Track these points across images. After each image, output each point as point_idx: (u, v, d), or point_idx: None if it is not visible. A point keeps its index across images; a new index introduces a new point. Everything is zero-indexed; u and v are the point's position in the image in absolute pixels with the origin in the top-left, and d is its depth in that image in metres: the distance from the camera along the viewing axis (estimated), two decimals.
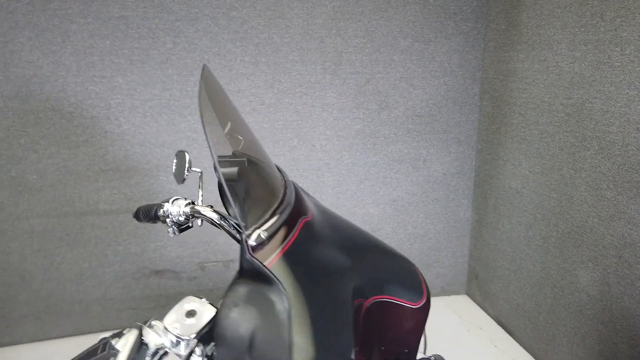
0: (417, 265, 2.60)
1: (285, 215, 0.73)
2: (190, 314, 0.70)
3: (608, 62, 1.68)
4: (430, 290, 0.87)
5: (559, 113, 1.93)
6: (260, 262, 0.64)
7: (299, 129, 2.33)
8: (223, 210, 0.99)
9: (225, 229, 0.91)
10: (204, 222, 1.01)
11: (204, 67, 0.89)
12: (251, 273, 0.67)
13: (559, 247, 1.99)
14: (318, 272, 0.67)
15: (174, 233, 1.04)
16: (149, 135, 2.19)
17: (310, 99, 2.30)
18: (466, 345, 2.32)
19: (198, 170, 1.09)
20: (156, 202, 2.22)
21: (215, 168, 0.70)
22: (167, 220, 1.02)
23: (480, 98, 2.48)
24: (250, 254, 0.65)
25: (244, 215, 0.67)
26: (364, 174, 2.47)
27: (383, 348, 0.74)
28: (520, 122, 2.18)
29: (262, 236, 0.66)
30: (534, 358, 2.21)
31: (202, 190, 1.06)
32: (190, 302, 0.73)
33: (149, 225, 2.31)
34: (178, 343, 0.67)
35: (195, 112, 2.21)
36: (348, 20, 2.23)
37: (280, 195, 0.77)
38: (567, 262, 1.95)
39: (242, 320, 0.64)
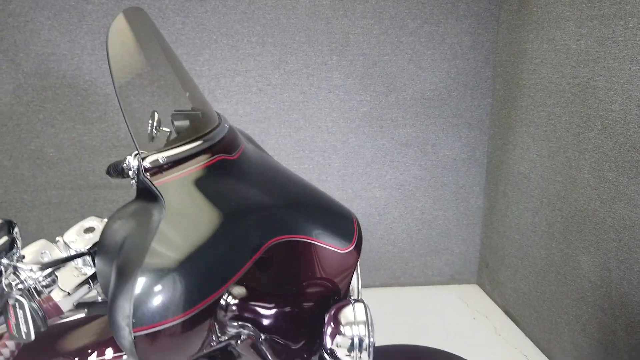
0: (425, 251, 2.58)
1: (197, 149, 0.75)
2: (89, 230, 0.74)
3: (612, 37, 1.61)
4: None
5: (566, 93, 1.87)
6: (150, 181, 0.67)
7: (305, 110, 2.35)
8: None
9: None
10: None
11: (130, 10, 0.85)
12: (144, 193, 0.70)
13: (563, 232, 1.92)
14: (221, 203, 0.69)
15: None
16: (159, 112, 2.26)
17: (316, 80, 2.32)
18: (469, 333, 2.28)
19: (167, 130, 1.13)
20: None
21: (116, 93, 0.72)
22: (130, 172, 1.07)
23: (493, 82, 2.43)
24: (142, 174, 0.68)
25: (138, 137, 0.69)
26: (370, 157, 2.46)
27: (305, 291, 0.74)
28: (529, 105, 2.12)
29: (160, 160, 0.69)
30: (537, 347, 2.15)
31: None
32: (90, 221, 0.77)
33: None
34: (77, 257, 0.72)
35: (204, 91, 2.27)
36: (355, 0, 2.23)
37: (201, 133, 0.79)
38: (570, 248, 1.88)
39: (120, 230, 0.67)
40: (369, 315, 0.72)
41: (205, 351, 0.63)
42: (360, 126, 2.41)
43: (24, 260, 0.70)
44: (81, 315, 0.85)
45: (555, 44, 1.92)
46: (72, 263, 0.72)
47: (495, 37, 2.37)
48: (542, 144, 2.05)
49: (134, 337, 0.55)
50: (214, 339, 0.64)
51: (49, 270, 0.69)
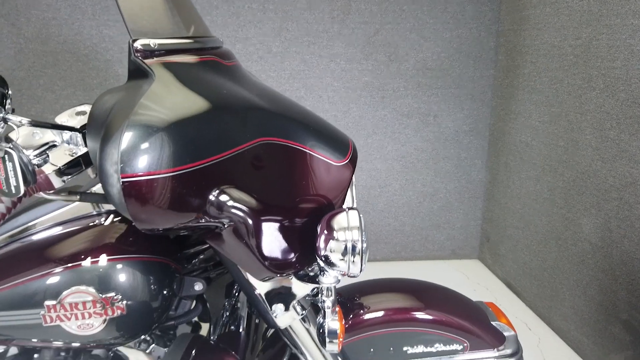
0: (426, 225, 2.56)
1: (191, 46, 0.74)
2: (80, 113, 0.75)
3: None
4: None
5: (568, 56, 1.84)
6: (141, 60, 0.66)
7: (306, 79, 2.34)
8: None
9: None
10: None
11: None
12: (134, 75, 0.70)
13: (564, 196, 1.90)
14: (214, 89, 0.68)
15: None
16: None
17: (317, 49, 2.31)
18: None
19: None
20: None
21: None
22: None
23: (496, 52, 2.41)
24: (133, 54, 0.67)
25: (130, 22, 0.69)
26: (371, 127, 2.45)
27: (299, 200, 0.74)
28: (532, 71, 2.10)
29: (152, 45, 0.68)
30: (537, 315, 2.13)
31: None
32: (82, 106, 0.78)
33: None
34: (70, 138, 0.72)
35: None
36: None
37: (198, 36, 0.78)
38: (571, 212, 1.86)
39: (108, 102, 0.67)
40: (362, 221, 0.72)
41: (191, 224, 0.63)
42: (361, 96, 2.40)
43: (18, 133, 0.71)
44: (73, 204, 0.85)
45: (558, 7, 1.90)
46: (64, 145, 0.72)
47: (498, 6, 2.35)
48: (544, 110, 2.02)
49: (122, 183, 0.55)
50: (201, 215, 0.63)
51: (43, 148, 0.69)
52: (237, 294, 0.95)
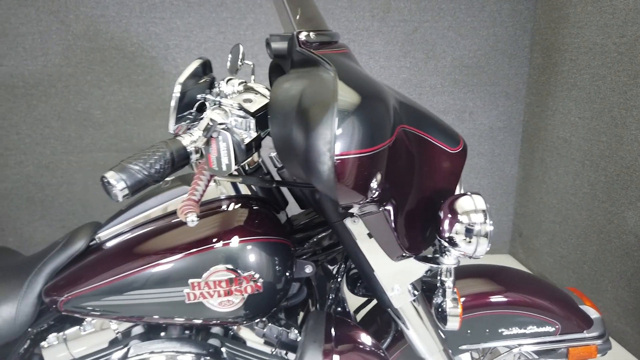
0: None
1: (333, 38, 0.79)
2: (247, 100, 0.79)
3: None
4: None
5: (612, 53, 1.89)
6: (309, 50, 0.71)
7: None
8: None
9: None
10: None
11: None
12: (301, 64, 0.74)
13: (607, 191, 1.95)
14: (364, 82, 0.72)
15: None
16: None
17: (357, 46, 2.35)
18: None
19: (250, 62, 1.17)
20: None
21: None
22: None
23: (531, 50, 2.45)
24: (300, 45, 0.72)
25: (296, 18, 0.73)
26: None
27: (421, 184, 0.78)
28: (571, 69, 2.14)
29: (312, 36, 0.73)
30: None
31: (254, 75, 1.14)
32: (246, 94, 0.82)
33: None
34: (238, 122, 0.76)
35: (247, 55, 2.30)
36: None
37: (326, 30, 0.83)
38: (614, 206, 1.91)
39: (289, 87, 0.71)
40: (486, 204, 0.76)
41: (367, 200, 0.67)
42: None
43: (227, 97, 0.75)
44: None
45: (601, 6, 1.94)
46: (234, 129, 0.75)
47: (534, 5, 2.39)
48: (584, 106, 2.07)
49: (335, 160, 0.59)
50: (373, 194, 0.67)
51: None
52: (339, 279, 0.99)
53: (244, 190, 0.93)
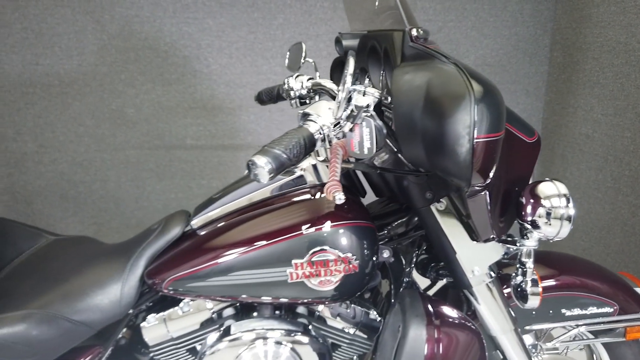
0: None
1: (424, 35, 0.85)
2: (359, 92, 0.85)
3: None
4: None
5: (636, 52, 1.96)
6: (424, 45, 0.77)
7: None
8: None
9: None
10: (322, 97, 1.15)
11: None
12: (412, 58, 0.80)
13: (631, 185, 2.02)
14: (480, 74, 0.78)
15: (297, 105, 1.18)
16: (233, 75, 2.35)
17: None
18: None
19: (311, 60, 1.23)
20: (238, 141, 2.38)
21: None
22: (291, 93, 1.16)
23: (551, 49, 2.52)
24: (412, 40, 0.78)
25: (407, 15, 0.79)
26: None
27: (512, 171, 0.84)
28: (594, 67, 2.21)
29: (421, 32, 0.79)
30: None
31: (318, 72, 1.20)
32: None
33: (229, 162, 2.47)
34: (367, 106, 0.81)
35: (277, 55, 2.36)
36: None
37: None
38: (639, 199, 1.98)
39: (411, 79, 0.76)
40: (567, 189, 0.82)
41: (488, 181, 0.74)
42: None
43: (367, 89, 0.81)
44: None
45: (625, 6, 2.01)
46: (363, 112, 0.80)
47: (554, 5, 2.46)
48: (608, 103, 2.14)
49: (475, 142, 0.65)
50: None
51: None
52: (413, 263, 1.05)
53: (326, 179, 0.99)
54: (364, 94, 0.81)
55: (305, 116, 0.77)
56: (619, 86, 2.06)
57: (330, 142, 0.77)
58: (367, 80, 1.13)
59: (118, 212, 2.44)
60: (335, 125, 0.77)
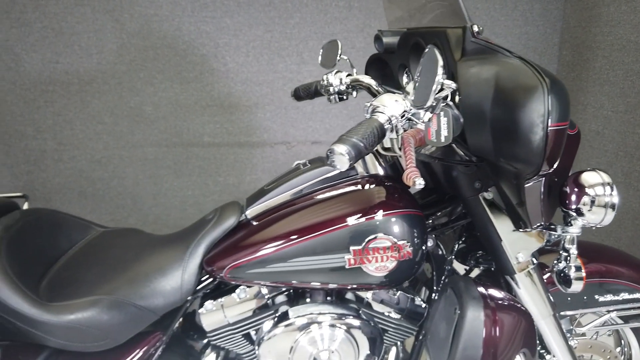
0: None
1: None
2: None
3: None
4: None
5: None
6: (486, 40, 0.81)
7: None
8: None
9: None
10: (359, 92, 1.19)
11: None
12: (473, 53, 0.84)
13: None
14: (543, 67, 0.82)
15: (335, 101, 1.22)
16: (250, 74, 2.38)
17: None
18: None
19: (346, 57, 1.27)
20: (254, 138, 2.41)
21: None
22: (330, 89, 1.20)
23: (560, 48, 2.58)
24: (474, 36, 0.82)
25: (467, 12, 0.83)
26: None
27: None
28: (604, 65, 2.27)
29: (479, 28, 0.83)
30: None
31: (355, 68, 1.24)
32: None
33: (245, 159, 2.50)
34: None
35: (292, 53, 2.39)
36: None
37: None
38: None
39: (478, 72, 0.80)
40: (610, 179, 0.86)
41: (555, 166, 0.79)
42: None
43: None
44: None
45: (635, 5, 2.07)
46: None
47: (563, 4, 2.52)
48: (618, 100, 2.19)
49: (548, 130, 0.69)
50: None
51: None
52: (454, 251, 1.10)
53: (372, 170, 1.03)
54: (441, 86, 0.84)
55: (373, 108, 0.81)
56: (630, 84, 2.11)
57: (397, 132, 0.81)
58: (405, 76, 1.17)
59: (135, 208, 2.47)
60: (402, 116, 0.80)
